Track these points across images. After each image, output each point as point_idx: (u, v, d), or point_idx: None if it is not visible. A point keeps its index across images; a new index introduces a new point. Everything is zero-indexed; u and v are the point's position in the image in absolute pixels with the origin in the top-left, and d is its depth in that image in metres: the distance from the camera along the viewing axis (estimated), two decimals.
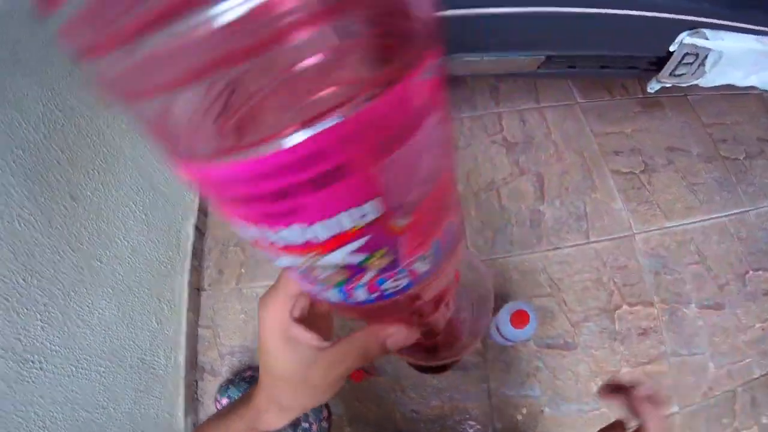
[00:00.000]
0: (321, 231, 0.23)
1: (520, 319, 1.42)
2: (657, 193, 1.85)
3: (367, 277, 0.29)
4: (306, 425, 1.57)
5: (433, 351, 0.78)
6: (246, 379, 1.64)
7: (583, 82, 2.15)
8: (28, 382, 1.23)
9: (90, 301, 1.46)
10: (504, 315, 1.46)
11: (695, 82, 1.52)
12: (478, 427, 1.57)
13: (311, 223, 0.23)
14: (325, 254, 0.25)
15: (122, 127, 1.57)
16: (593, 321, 1.65)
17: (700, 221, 1.80)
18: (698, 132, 1.99)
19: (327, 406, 1.66)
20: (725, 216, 1.82)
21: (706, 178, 1.88)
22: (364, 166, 0.21)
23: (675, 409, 1.54)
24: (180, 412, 1.73)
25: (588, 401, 1.55)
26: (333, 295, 0.31)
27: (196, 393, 1.80)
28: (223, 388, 1.63)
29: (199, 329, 1.88)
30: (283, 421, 0.49)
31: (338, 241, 0.24)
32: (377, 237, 0.25)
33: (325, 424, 1.61)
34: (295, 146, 0.19)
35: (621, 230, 1.79)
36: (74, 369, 1.36)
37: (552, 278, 1.73)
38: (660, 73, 1.54)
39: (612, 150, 1.95)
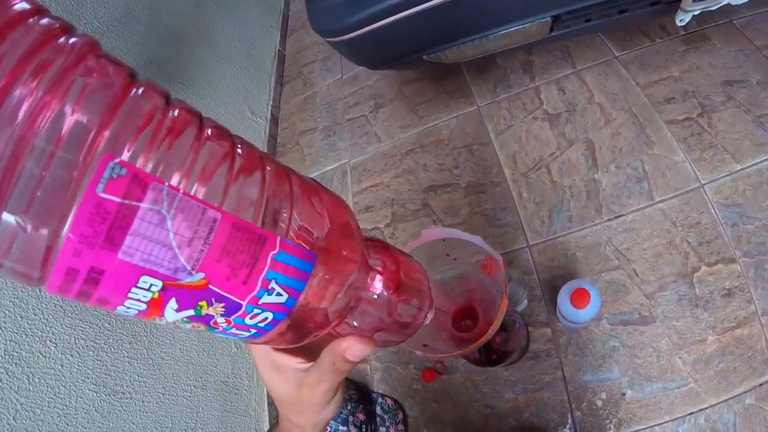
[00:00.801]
0: (129, 307, 0.29)
1: (580, 298, 1.33)
2: (720, 134, 1.69)
3: (221, 321, 0.32)
4: (383, 429, 1.61)
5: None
6: None
7: (616, 34, 2.00)
8: (119, 410, 1.43)
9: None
10: (563, 296, 1.39)
11: (726, 1, 1.38)
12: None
13: (119, 305, 0.29)
14: (155, 317, 0.30)
15: None
16: (670, 289, 1.52)
17: None
18: (754, 58, 1.79)
19: (402, 409, 1.69)
20: None
21: None
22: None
23: None
24: (265, 426, 1.85)
25: (674, 378, 1.43)
26: (228, 336, 0.35)
27: None
28: None
29: None
30: None
31: (154, 306, 0.29)
32: (183, 295, 0.29)
33: (401, 427, 1.64)
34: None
35: (687, 184, 1.64)
36: (161, 396, 1.55)
37: (618, 249, 1.62)
38: (683, 2, 1.40)
39: (663, 98, 1.80)
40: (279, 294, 0.33)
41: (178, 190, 0.28)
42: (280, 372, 0.49)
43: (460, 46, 1.66)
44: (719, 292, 1.49)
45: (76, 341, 1.41)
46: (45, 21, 0.26)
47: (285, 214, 0.34)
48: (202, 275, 0.29)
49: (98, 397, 1.39)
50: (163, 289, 0.28)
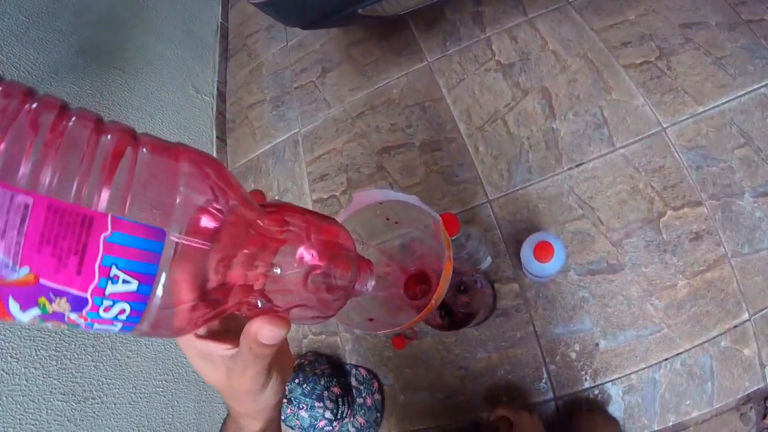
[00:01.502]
0: None
1: (543, 251, 1.26)
2: (681, 77, 1.63)
3: (76, 317, 0.29)
4: (360, 400, 1.60)
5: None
6: (295, 368, 1.64)
7: None
8: (92, 416, 1.39)
9: None
10: (526, 251, 1.32)
11: None
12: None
13: None
14: (8, 318, 0.28)
15: None
16: (636, 235, 1.48)
17: (736, 98, 1.56)
18: None
19: (377, 378, 1.68)
20: (764, 86, 1.57)
21: (732, 49, 1.63)
22: None
23: (744, 316, 1.36)
24: None
25: (646, 325, 1.41)
26: (95, 330, 0.31)
27: None
28: None
29: None
30: (258, 423, 0.50)
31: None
32: (19, 293, 0.27)
33: (378, 396, 1.63)
34: None
35: (648, 128, 1.59)
36: (133, 395, 1.52)
37: (581, 198, 1.57)
38: None
39: (619, 43, 1.73)
40: (125, 281, 0.30)
41: None
42: (206, 360, 0.45)
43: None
44: (687, 236, 1.44)
45: (37, 352, 1.35)
46: None
47: (120, 187, 0.29)
48: (26, 269, 0.27)
49: (68, 406, 1.35)
50: None
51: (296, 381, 1.53)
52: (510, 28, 1.91)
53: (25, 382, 1.28)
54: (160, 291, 0.31)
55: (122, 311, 0.30)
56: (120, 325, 0.31)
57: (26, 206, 0.26)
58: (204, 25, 2.66)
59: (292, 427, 1.51)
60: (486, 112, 1.80)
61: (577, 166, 1.61)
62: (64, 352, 1.40)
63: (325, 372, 1.59)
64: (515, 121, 1.75)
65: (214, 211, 0.33)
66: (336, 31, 2.29)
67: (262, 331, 0.39)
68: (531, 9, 1.91)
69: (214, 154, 2.27)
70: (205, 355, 0.45)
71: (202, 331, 0.44)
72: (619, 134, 1.60)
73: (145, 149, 0.31)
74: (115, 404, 1.45)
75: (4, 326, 1.29)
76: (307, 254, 0.39)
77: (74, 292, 0.28)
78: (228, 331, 0.45)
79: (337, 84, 2.19)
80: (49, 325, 0.29)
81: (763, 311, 1.36)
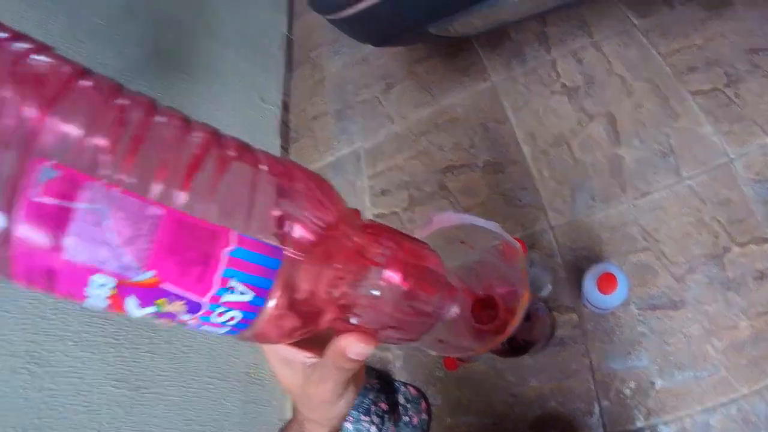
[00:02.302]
0: (93, 302, 0.29)
1: (607, 283, 1.28)
2: (749, 105, 1.59)
3: (187, 319, 0.32)
4: (406, 419, 1.61)
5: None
6: None
7: (635, 0, 1.89)
8: (142, 405, 1.46)
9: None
10: (589, 282, 1.34)
11: None
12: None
13: (83, 299, 0.29)
14: (122, 311, 0.30)
15: None
16: (700, 271, 1.46)
17: None
18: None
19: (425, 397, 1.68)
20: None
21: None
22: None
23: None
24: (289, 416, 1.85)
25: (705, 366, 1.37)
26: (202, 330, 0.34)
27: None
28: None
29: None
30: (324, 430, 0.52)
31: (116, 302, 0.29)
32: (140, 293, 0.29)
33: (424, 416, 1.64)
34: None
35: (716, 158, 1.56)
36: (184, 389, 1.56)
37: (645, 229, 1.56)
38: None
39: (686, 68, 1.70)
40: (242, 292, 0.32)
41: (116, 188, 0.27)
42: (288, 365, 0.48)
43: (469, 16, 1.58)
44: (752, 275, 1.41)
45: (96, 338, 1.42)
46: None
47: (245, 205, 0.32)
48: (152, 273, 0.29)
49: (120, 393, 1.41)
50: (118, 286, 0.29)
51: None
52: (575, 50, 1.91)
53: (80, 365, 1.36)
54: (272, 303, 0.34)
55: (233, 318, 0.33)
56: (227, 329, 0.34)
57: (157, 217, 0.28)
58: (270, 36, 2.73)
59: None
60: (551, 136, 1.81)
61: (642, 195, 1.59)
62: (122, 341, 1.47)
63: (374, 386, 1.61)
64: (580, 146, 1.74)
65: (321, 228, 0.36)
66: (400, 47, 2.31)
67: (352, 346, 0.41)
68: (596, 31, 1.90)
69: None
70: (285, 360, 0.48)
71: None
72: (685, 164, 1.58)
73: (265, 167, 0.35)
74: (165, 396, 1.51)
75: (66, 311, 1.37)
76: (399, 276, 0.40)
77: (192, 297, 0.31)
78: (311, 340, 0.45)
79: (400, 100, 2.22)
80: (158, 321, 0.32)
81: None
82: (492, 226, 0.79)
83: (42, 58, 0.27)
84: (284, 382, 0.49)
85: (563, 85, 1.87)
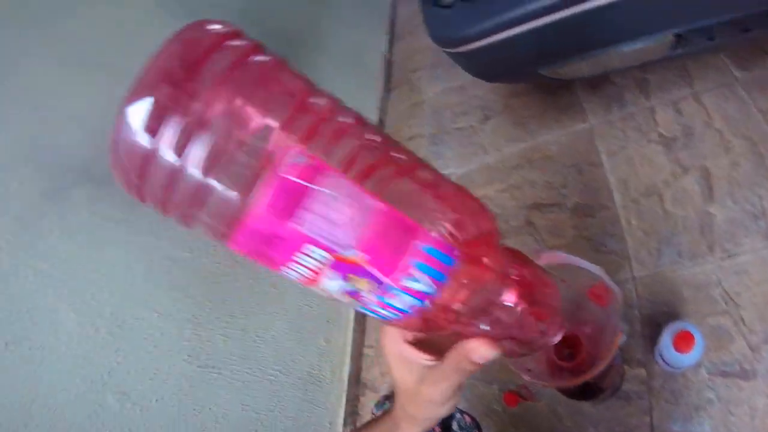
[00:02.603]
0: (295, 269, 0.35)
1: (684, 341, 1.29)
2: None
3: (367, 297, 0.37)
4: None
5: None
6: None
7: (739, 53, 1.88)
8: (207, 383, 1.56)
9: (266, 321, 1.78)
10: (666, 338, 1.34)
11: None
12: None
13: (286, 265, 0.35)
14: (319, 283, 0.36)
15: None
16: None
17: None
18: None
19: (479, 428, 1.64)
20: None
21: None
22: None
23: None
24: (340, 422, 1.91)
25: None
26: (371, 312, 0.40)
27: (356, 406, 1.96)
28: (380, 404, 1.69)
29: (364, 348, 2.04)
30: (416, 430, 0.57)
31: (316, 273, 0.35)
32: (341, 268, 0.34)
33: None
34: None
35: None
36: (248, 376, 1.65)
37: (728, 292, 1.53)
38: None
39: None
40: (420, 281, 0.36)
41: (345, 178, 0.33)
42: (404, 363, 0.51)
43: (579, 62, 1.64)
44: None
45: (178, 313, 1.55)
46: (239, 42, 0.35)
47: (435, 212, 0.38)
48: (358, 252, 0.34)
49: (190, 368, 1.53)
50: (323, 259, 0.34)
51: None
52: (675, 100, 1.91)
53: (159, 334, 1.49)
54: (439, 294, 0.38)
55: (404, 303, 0.37)
56: (392, 312, 0.39)
57: (374, 208, 0.34)
58: (371, 55, 2.84)
59: None
60: (643, 185, 1.81)
61: (729, 257, 1.58)
62: (201, 321, 1.60)
63: None
64: (672, 199, 1.74)
65: (471, 239, 0.40)
66: None
67: (479, 350, 0.45)
68: (698, 82, 1.90)
69: None
70: (404, 359, 0.51)
71: (410, 337, 0.50)
72: None
73: (446, 186, 0.41)
74: (230, 378, 1.60)
75: (152, 284, 1.51)
76: (530, 297, 0.46)
77: (381, 277, 0.35)
78: (431, 344, 0.49)
79: (496, 132, 2.28)
80: (339, 295, 0.37)
81: None
82: (596, 269, 0.83)
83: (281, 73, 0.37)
84: (398, 378, 0.53)
85: (660, 135, 1.88)
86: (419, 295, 0.37)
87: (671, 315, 1.56)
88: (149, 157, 0.31)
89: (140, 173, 0.32)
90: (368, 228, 0.34)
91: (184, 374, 1.51)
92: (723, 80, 1.86)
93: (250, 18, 2.13)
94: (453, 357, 0.47)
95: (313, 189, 0.32)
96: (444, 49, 1.69)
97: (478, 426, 1.69)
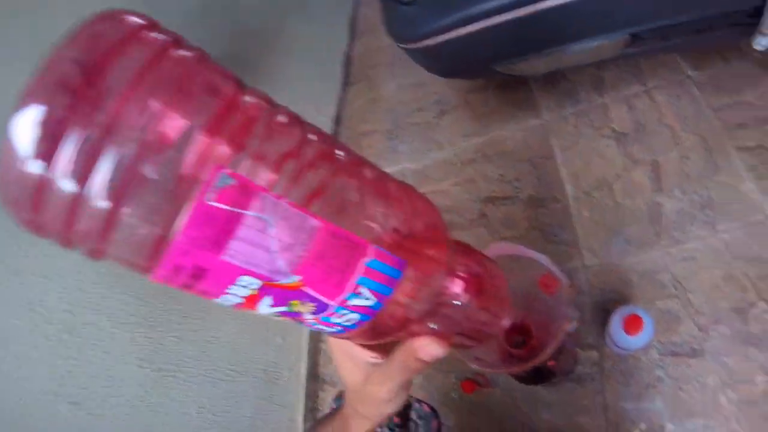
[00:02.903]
0: (228, 299, 0.32)
1: (633, 325, 1.32)
2: None
3: (309, 318, 0.35)
4: None
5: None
6: None
7: (692, 53, 1.93)
8: (162, 387, 1.51)
9: (220, 320, 1.73)
10: (616, 321, 1.37)
11: None
12: None
13: (219, 296, 0.32)
14: (255, 309, 0.33)
15: None
16: (724, 323, 1.47)
17: None
18: None
19: (437, 416, 1.64)
20: None
21: None
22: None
23: None
24: (300, 419, 1.88)
25: (716, 416, 1.38)
26: (315, 328, 0.38)
27: (316, 402, 1.94)
28: (338, 398, 1.68)
29: (320, 344, 2.00)
30: (366, 426, 0.55)
31: (251, 301, 0.32)
32: (278, 294, 0.32)
33: None
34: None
35: (753, 215, 1.59)
36: (204, 377, 1.61)
37: (676, 277, 1.58)
38: (761, 25, 1.36)
39: (735, 123, 1.74)
40: (367, 298, 0.35)
41: (281, 199, 0.30)
42: (351, 361, 0.51)
43: (535, 59, 1.65)
44: None
45: (129, 317, 1.50)
46: (156, 35, 0.29)
47: (380, 220, 0.36)
48: (298, 277, 0.32)
49: (143, 372, 1.48)
50: (260, 287, 0.31)
51: None
52: (628, 97, 1.95)
53: (110, 339, 1.43)
54: (386, 308, 0.37)
55: (350, 320, 0.36)
56: (337, 328, 0.37)
57: (314, 229, 0.31)
58: (331, 52, 2.83)
59: None
60: (594, 178, 1.84)
61: (676, 244, 1.62)
62: (153, 324, 1.55)
63: None
64: (622, 191, 1.78)
65: (417, 237, 0.40)
66: None
67: (427, 348, 0.43)
68: (651, 79, 1.94)
69: None
70: (351, 357, 0.50)
71: None
72: (722, 218, 1.61)
73: (393, 189, 0.39)
74: (185, 380, 1.56)
75: (103, 286, 1.45)
76: (479, 290, 0.45)
77: (324, 300, 0.34)
78: (375, 345, 0.48)
79: (451, 127, 2.29)
80: (279, 318, 0.35)
81: None
82: (543, 259, 0.84)
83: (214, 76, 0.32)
84: (345, 376, 0.52)
85: (613, 130, 1.91)
86: (367, 312, 0.37)
87: (621, 301, 1.59)
88: (43, 188, 0.25)
89: (34, 207, 0.26)
90: (309, 251, 0.32)
91: (138, 379, 1.47)
92: (676, 78, 1.91)
93: (215, 10, 2.10)
94: (399, 355, 0.46)
95: (244, 215, 0.29)
96: (400, 45, 1.69)
97: (436, 414, 1.69)
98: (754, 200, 1.61)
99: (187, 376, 1.57)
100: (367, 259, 0.34)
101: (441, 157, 2.23)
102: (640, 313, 1.34)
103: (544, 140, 2.02)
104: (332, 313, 0.35)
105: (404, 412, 1.64)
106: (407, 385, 0.50)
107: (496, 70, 1.74)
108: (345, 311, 0.35)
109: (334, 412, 0.63)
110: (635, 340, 1.34)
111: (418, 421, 1.63)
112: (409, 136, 2.39)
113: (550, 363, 1.39)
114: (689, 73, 1.90)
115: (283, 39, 2.48)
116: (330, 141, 0.37)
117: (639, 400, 1.48)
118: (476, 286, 0.45)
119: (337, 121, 2.67)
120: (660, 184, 1.74)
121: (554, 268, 0.78)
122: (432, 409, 1.69)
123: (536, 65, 1.71)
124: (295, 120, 0.35)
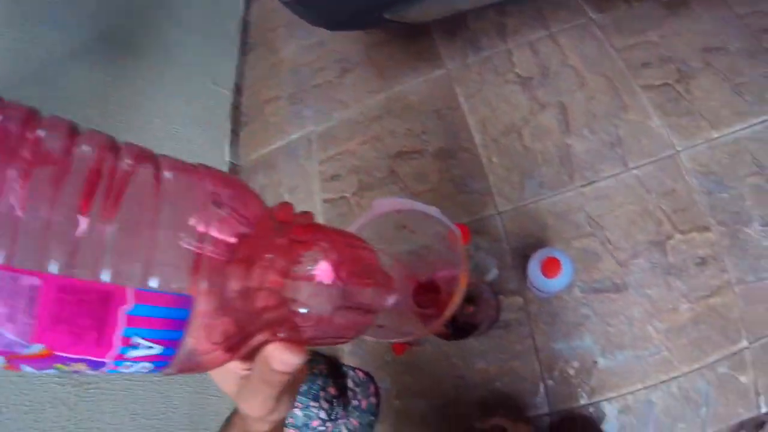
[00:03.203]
0: None
1: (551, 267, 1.27)
2: (698, 101, 1.63)
3: (92, 372, 0.29)
4: (356, 402, 1.60)
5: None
6: None
7: None
8: (87, 401, 1.39)
9: None
10: (534, 266, 1.33)
11: None
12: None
13: None
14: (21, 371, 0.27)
15: None
16: (643, 256, 1.49)
17: (751, 126, 1.57)
18: (734, 25, 1.73)
19: (374, 381, 1.67)
20: None
21: (752, 76, 1.64)
22: None
23: (744, 344, 1.38)
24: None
25: (646, 346, 1.42)
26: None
27: None
28: None
29: None
30: (266, 426, 0.48)
31: (13, 367, 0.26)
32: (33, 361, 0.26)
33: (373, 399, 1.62)
34: None
35: (663, 150, 1.59)
36: (129, 383, 1.49)
37: (591, 216, 1.58)
38: None
39: (639, 63, 1.74)
40: (149, 347, 0.29)
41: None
42: (224, 372, 0.43)
43: (424, 3, 1.56)
44: (693, 261, 1.46)
45: None
46: None
47: (144, 252, 0.28)
48: (41, 346, 0.26)
49: (64, 390, 1.35)
50: (8, 360, 0.26)
51: None
52: (531, 41, 1.92)
53: None
54: (186, 349, 0.31)
55: (145, 368, 0.30)
56: (145, 371, 0.31)
57: (34, 288, 0.24)
58: (226, 17, 2.66)
59: (284, 425, 1.51)
60: (502, 124, 1.81)
61: (589, 183, 1.61)
62: None
63: (322, 372, 1.58)
64: (531, 135, 1.75)
65: (243, 234, 0.33)
66: (357, 32, 2.29)
67: (275, 355, 0.37)
68: (553, 23, 1.91)
69: (228, 147, 2.28)
70: (222, 368, 0.41)
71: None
72: (632, 154, 1.61)
73: (172, 180, 0.30)
74: (110, 391, 1.45)
75: None
76: (329, 271, 0.37)
77: (93, 358, 0.27)
78: (250, 356, 0.41)
79: (355, 85, 2.20)
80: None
81: (762, 340, 1.37)
82: (433, 211, 0.77)
83: None
84: (222, 388, 0.46)
85: (517, 75, 1.87)
86: (159, 359, 0.30)
87: (539, 244, 1.58)
88: None
89: None
90: (42, 316, 0.25)
91: (60, 398, 1.33)
92: (579, 21, 1.89)
93: None
94: (256, 368, 0.39)
95: None
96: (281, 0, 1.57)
97: (372, 379, 1.66)
98: (662, 136, 1.61)
99: (111, 385, 1.46)
100: (127, 307, 0.27)
101: (346, 117, 2.14)
102: (557, 254, 1.30)
103: (449, 90, 1.96)
104: (115, 367, 0.29)
105: (341, 382, 1.61)
106: (282, 394, 0.42)
107: (387, 18, 1.64)
108: (129, 363, 0.29)
109: (233, 415, 0.54)
110: (555, 282, 1.31)
111: (356, 388, 1.61)
112: (312, 99, 2.29)
113: (469, 316, 1.34)
114: (592, 15, 1.88)
115: (170, 9, 2.29)
116: (63, 156, 0.26)
117: (568, 339, 1.49)
118: (321, 266, 0.37)
119: (238, 90, 2.53)
120: (568, 125, 1.72)
121: (446, 219, 0.75)
122: (367, 374, 1.67)
123: (429, 11, 1.63)
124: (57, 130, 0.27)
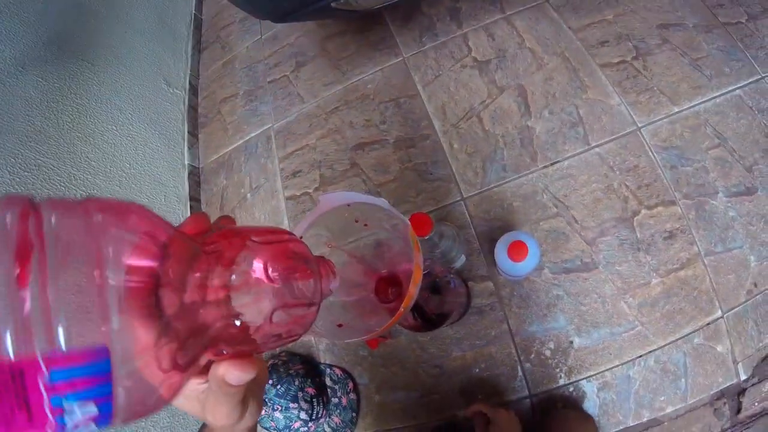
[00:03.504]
0: None
1: (517, 251, 1.24)
2: (657, 77, 1.63)
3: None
4: (335, 400, 1.58)
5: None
6: (268, 368, 1.60)
7: None
8: None
9: None
10: (500, 250, 1.29)
11: None
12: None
13: None
14: None
15: None
16: (611, 234, 1.48)
17: (711, 99, 1.57)
18: (690, 2, 1.74)
19: (351, 377, 1.66)
20: (739, 88, 1.58)
21: (709, 50, 1.64)
22: None
23: (717, 314, 1.38)
24: None
25: (620, 322, 1.42)
26: None
27: None
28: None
29: None
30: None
31: None
32: None
33: (353, 395, 1.61)
34: None
35: (623, 127, 1.59)
36: None
37: (556, 196, 1.56)
38: None
39: (596, 42, 1.73)
40: (84, 409, 0.26)
41: None
42: (184, 396, 0.43)
43: None
44: (661, 235, 1.45)
45: None
46: None
47: (38, 317, 0.24)
48: None
49: None
50: None
51: (270, 382, 1.48)
52: (487, 25, 1.90)
53: None
54: (121, 399, 0.28)
55: (91, 428, 0.27)
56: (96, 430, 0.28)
57: None
58: (177, 16, 2.59)
59: (267, 429, 1.48)
60: (461, 109, 1.79)
61: (552, 164, 1.60)
62: None
63: (299, 372, 1.56)
64: (491, 119, 1.73)
65: (150, 282, 0.30)
66: (311, 24, 2.25)
67: (228, 373, 0.37)
68: (508, 6, 1.90)
69: (186, 150, 2.22)
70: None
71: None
72: (594, 133, 1.60)
73: (56, 245, 0.26)
74: None
75: None
76: (261, 270, 0.36)
77: None
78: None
79: (311, 78, 2.15)
80: None
81: (736, 309, 1.37)
82: (381, 202, 0.74)
83: None
84: (183, 409, 0.44)
85: (474, 59, 1.85)
86: (101, 417, 0.27)
87: (505, 228, 1.57)
88: None
89: None
90: None
91: None
92: (533, 3, 1.88)
93: None
94: (212, 385, 0.39)
95: None
96: None
97: (349, 375, 1.64)
98: (622, 113, 1.60)
99: None
100: (44, 377, 0.24)
101: (304, 111, 2.09)
102: (523, 237, 1.28)
103: (407, 78, 1.93)
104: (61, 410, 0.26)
105: (319, 381, 1.58)
106: (247, 398, 0.43)
107: (334, 7, 1.58)
108: (75, 428, 0.26)
109: (203, 427, 0.55)
110: (523, 266, 1.28)
111: (334, 386, 1.60)
112: (268, 95, 2.24)
113: (437, 305, 1.31)
114: None
115: (119, 10, 2.22)
116: None
117: (543, 320, 1.49)
118: (252, 267, 0.36)
119: (193, 91, 2.47)
120: (528, 107, 1.71)
121: (394, 210, 0.74)
122: (344, 371, 1.64)
123: None
124: None
